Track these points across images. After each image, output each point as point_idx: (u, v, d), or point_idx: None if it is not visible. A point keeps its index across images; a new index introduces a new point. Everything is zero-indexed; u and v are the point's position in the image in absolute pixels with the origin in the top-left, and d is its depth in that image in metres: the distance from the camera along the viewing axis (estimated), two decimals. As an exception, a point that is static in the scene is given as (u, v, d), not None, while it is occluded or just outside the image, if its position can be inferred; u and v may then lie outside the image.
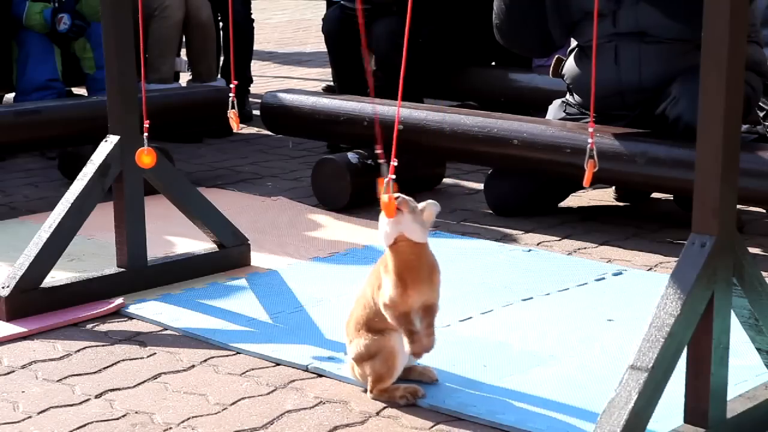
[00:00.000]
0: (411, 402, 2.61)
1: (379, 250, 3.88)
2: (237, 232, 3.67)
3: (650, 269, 3.64)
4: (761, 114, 4.85)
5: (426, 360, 2.85)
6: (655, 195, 4.54)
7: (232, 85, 3.09)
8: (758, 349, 2.47)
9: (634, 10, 4.11)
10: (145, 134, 3.24)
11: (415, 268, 2.52)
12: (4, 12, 5.58)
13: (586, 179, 2.39)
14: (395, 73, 5.46)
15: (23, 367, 2.89)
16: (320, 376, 2.80)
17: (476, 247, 3.86)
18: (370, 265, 3.68)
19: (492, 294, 3.37)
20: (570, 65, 4.37)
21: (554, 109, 4.44)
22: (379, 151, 2.34)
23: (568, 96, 4.42)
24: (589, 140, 2.35)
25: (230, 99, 3.11)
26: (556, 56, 4.56)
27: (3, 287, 3.20)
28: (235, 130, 3.14)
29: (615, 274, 3.56)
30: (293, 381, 2.77)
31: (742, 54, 2.23)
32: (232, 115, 3.09)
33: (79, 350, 2.99)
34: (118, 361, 2.91)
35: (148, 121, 3.22)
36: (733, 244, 2.29)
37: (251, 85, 6.70)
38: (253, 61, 6.78)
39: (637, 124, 4.11)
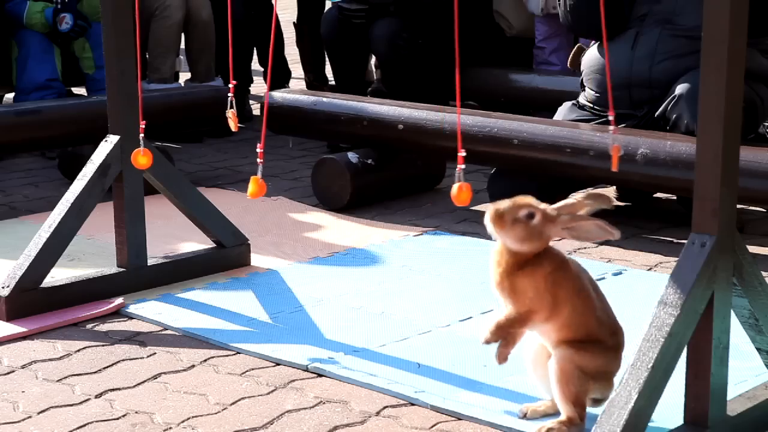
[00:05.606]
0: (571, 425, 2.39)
1: (374, 252, 3.89)
2: (237, 232, 3.67)
3: (650, 269, 3.64)
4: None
5: (425, 359, 2.85)
6: (655, 194, 4.53)
7: (230, 85, 3.09)
8: (758, 349, 2.47)
9: None
10: (141, 135, 3.23)
11: None
12: (1, 11, 5.58)
13: (614, 165, 2.34)
14: (395, 73, 5.50)
15: (23, 367, 2.89)
16: (320, 376, 2.80)
17: (476, 247, 3.86)
18: (369, 266, 3.72)
19: (492, 294, 3.36)
20: (592, 51, 4.33)
21: (565, 111, 4.40)
22: (461, 154, 2.28)
23: (580, 97, 4.40)
24: (611, 128, 2.33)
25: (229, 99, 3.10)
26: (577, 45, 4.55)
27: (3, 287, 3.20)
28: (233, 130, 3.12)
29: (615, 274, 3.56)
30: (293, 381, 2.77)
31: (742, 54, 2.23)
32: (231, 115, 3.08)
33: (79, 350, 2.99)
34: (118, 361, 2.91)
35: (144, 121, 3.22)
36: (733, 244, 2.29)
37: (251, 84, 6.70)
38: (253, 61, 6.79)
39: (643, 128, 4.10)
